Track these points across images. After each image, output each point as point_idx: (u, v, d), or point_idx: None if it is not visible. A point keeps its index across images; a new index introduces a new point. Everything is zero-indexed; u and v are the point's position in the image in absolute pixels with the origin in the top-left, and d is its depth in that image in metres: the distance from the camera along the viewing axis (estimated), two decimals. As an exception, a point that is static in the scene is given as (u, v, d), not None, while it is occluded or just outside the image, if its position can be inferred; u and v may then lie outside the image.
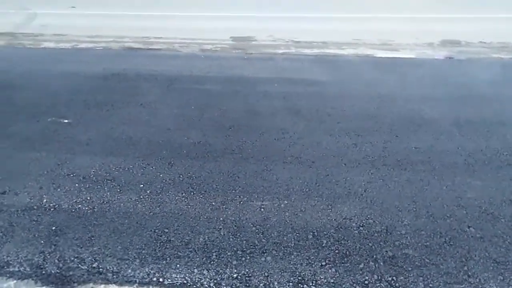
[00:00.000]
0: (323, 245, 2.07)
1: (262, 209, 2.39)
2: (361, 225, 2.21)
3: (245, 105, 4.09)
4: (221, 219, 2.32)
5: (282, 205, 2.43)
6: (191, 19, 8.70)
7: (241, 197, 2.52)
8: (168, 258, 2.04)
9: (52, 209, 2.44)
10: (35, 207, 2.47)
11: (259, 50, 6.33)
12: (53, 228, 2.27)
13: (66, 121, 3.71)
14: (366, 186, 2.62)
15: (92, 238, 2.19)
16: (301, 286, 1.86)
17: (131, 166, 2.92)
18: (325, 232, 2.17)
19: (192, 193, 2.59)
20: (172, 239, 2.17)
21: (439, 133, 3.44)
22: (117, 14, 9.08)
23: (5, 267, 2.01)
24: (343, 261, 1.99)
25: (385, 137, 3.36)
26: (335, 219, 2.27)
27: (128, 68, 5.32)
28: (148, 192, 2.61)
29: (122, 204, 2.49)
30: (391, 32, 7.07)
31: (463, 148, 3.14)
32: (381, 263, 1.97)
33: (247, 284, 1.88)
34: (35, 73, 5.14)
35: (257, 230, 2.21)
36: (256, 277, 1.92)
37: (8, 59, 5.87)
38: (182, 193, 2.59)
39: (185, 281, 1.90)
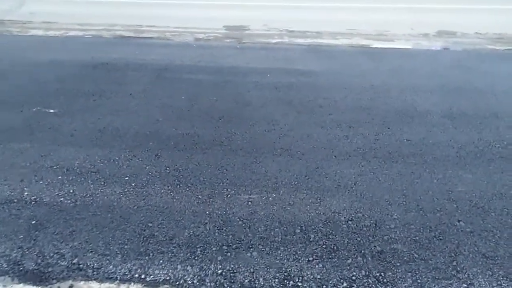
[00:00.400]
0: (311, 239, 2.02)
1: (250, 203, 2.33)
2: (350, 219, 2.17)
3: (236, 96, 4.00)
4: (207, 213, 2.27)
5: (270, 198, 2.38)
6: (184, 7, 8.53)
7: (229, 190, 2.46)
8: (151, 254, 1.98)
9: (33, 203, 2.37)
10: (15, 200, 2.39)
11: (252, 39, 6.22)
12: (33, 222, 2.20)
13: (51, 111, 3.61)
14: (356, 179, 2.56)
15: (73, 232, 2.13)
16: (287, 282, 1.82)
17: (116, 158, 2.85)
18: (313, 227, 2.12)
19: (178, 186, 2.53)
20: (156, 233, 2.11)
21: (432, 125, 3.39)
22: (109, 2, 8.88)
23: (-18, 262, 1.94)
24: (330, 256, 1.94)
25: (377, 129, 3.30)
26: (323, 213, 2.23)
27: (118, 57, 5.20)
28: (133, 185, 2.54)
29: (105, 197, 2.42)
30: (386, 23, 6.98)
31: (455, 141, 3.10)
32: (369, 258, 1.93)
33: (232, 280, 1.83)
34: (22, 61, 5.00)
35: (243, 224, 2.15)
36: (241, 273, 1.87)
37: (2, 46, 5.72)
38: (168, 186, 2.52)
39: (167, 278, 1.85)
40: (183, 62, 5.03)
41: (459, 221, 2.13)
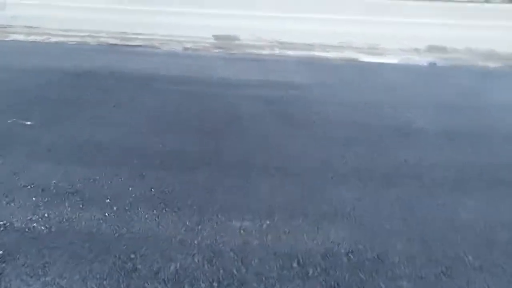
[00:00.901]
0: (309, 275, 1.86)
1: (242, 231, 2.15)
2: (350, 251, 2.01)
3: (225, 109, 3.85)
4: (195, 242, 2.08)
5: (264, 226, 2.21)
6: (172, 15, 8.36)
7: (219, 216, 2.28)
8: (133, 291, 1.78)
9: (1, 228, 2.14)
10: (-18, 226, 2.16)
11: (242, 50, 6.09)
12: (0, 252, 1.97)
13: (28, 122, 3.37)
14: (354, 204, 2.42)
15: (46, 265, 1.91)
16: (284, 324, 1.65)
17: (97, 177, 2.63)
18: (311, 259, 1.96)
19: (164, 210, 2.33)
20: (139, 266, 1.91)
21: (427, 144, 3.30)
22: (94, 7, 8.64)
23: None
24: (330, 294, 1.78)
25: (372, 148, 3.19)
26: (321, 243, 2.07)
27: (102, 65, 4.98)
28: (114, 208, 2.33)
29: (84, 223, 2.20)
30: (377, 36, 6.96)
31: (453, 161, 3.00)
32: (372, 296, 1.77)
33: (223, 323, 1.65)
34: (0, 67, 4.73)
35: (236, 257, 1.98)
36: (233, 313, 1.69)
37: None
38: (153, 211, 2.32)
39: (151, 320, 1.65)
40: (171, 72, 4.85)
41: (465, 254, 2.01)
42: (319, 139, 3.29)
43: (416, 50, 6.31)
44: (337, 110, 3.89)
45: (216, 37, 6.67)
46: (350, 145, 3.21)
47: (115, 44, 6.09)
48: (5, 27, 6.75)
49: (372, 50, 6.27)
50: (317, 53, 5.97)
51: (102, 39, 6.27)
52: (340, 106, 4.01)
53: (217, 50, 6.01)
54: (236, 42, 6.55)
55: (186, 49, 6.04)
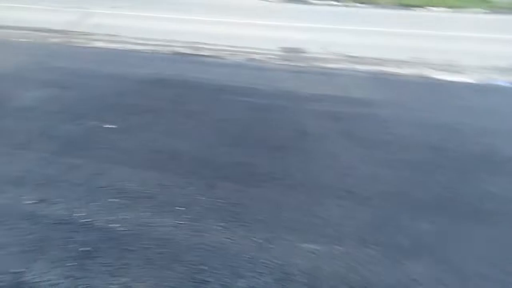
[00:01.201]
0: (386, 312, 1.74)
1: (313, 255, 2.08)
2: (432, 291, 1.85)
3: (293, 124, 3.80)
4: (264, 260, 2.05)
5: (335, 251, 2.12)
6: (241, 26, 8.58)
7: (289, 235, 2.23)
8: (204, 304, 1.79)
9: (84, 226, 2.28)
10: (67, 221, 2.31)
11: (309, 63, 6.04)
12: (85, 248, 2.10)
13: (109, 126, 3.60)
14: (436, 238, 2.24)
15: (124, 267, 1.99)
16: None
17: (171, 184, 2.72)
18: (388, 295, 1.83)
19: (233, 223, 2.34)
20: (209, 279, 1.92)
21: (518, 176, 2.98)
22: (168, 18, 9.15)
23: (30, 291, 1.85)
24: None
25: (453, 175, 2.94)
26: (401, 281, 1.92)
27: (175, 73, 5.21)
28: (187, 217, 2.39)
29: (158, 228, 2.28)
30: (455, 52, 6.53)
31: (550, 199, 2.67)
32: None
33: None
34: (83, 73, 5.15)
35: (306, 281, 1.91)
36: None
37: (59, 57, 5.97)
38: (223, 223, 2.34)
39: (221, 337, 1.64)
40: (238, 84, 4.93)
41: None
42: (393, 162, 3.12)
43: (499, 69, 5.79)
44: (412, 132, 3.67)
45: (283, 50, 6.69)
46: (427, 171, 2.99)
47: (187, 54, 6.35)
48: (89, 35, 7.33)
49: (447, 67, 5.87)
50: (388, 69, 5.72)
51: (175, 48, 6.57)
52: (415, 126, 3.78)
53: (284, 63, 6.01)
54: (304, 54, 6.51)
55: (251, 60, 6.12)
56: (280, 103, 4.29)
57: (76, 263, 2.00)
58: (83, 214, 2.38)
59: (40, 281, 1.89)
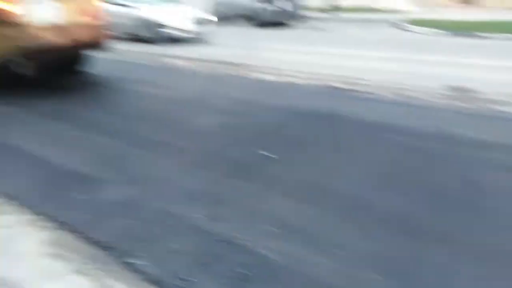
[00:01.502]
0: None
1: None
2: None
3: (463, 174, 3.36)
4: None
5: None
6: (400, 61, 8.22)
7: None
8: None
9: (242, 249, 2.42)
10: (228, 240, 2.49)
11: (480, 104, 5.33)
12: (241, 271, 2.22)
13: (271, 156, 3.72)
14: None
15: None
16: None
17: (325, 221, 2.71)
18: None
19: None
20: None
21: None
22: (331, 52, 9.50)
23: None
24: None
25: None
26: None
27: (331, 108, 5.21)
28: (340, 258, 2.31)
29: (313, 269, 2.26)
30: None
31: None
32: None
33: None
34: (254, 103, 5.61)
35: None
36: None
37: (234, 87, 6.70)
38: (381, 276, 2.17)
39: None
40: (399, 122, 4.64)
41: None
42: None
43: None
44: None
45: (447, 88, 6.07)
46: None
47: (339, 88, 6.37)
48: (257, 68, 7.93)
49: None
50: None
51: (327, 82, 6.67)
52: None
53: (448, 102, 5.45)
54: (472, 94, 5.78)
55: (411, 98, 5.74)
56: (444, 148, 3.87)
57: (232, 284, 2.13)
58: (243, 238, 2.52)
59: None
